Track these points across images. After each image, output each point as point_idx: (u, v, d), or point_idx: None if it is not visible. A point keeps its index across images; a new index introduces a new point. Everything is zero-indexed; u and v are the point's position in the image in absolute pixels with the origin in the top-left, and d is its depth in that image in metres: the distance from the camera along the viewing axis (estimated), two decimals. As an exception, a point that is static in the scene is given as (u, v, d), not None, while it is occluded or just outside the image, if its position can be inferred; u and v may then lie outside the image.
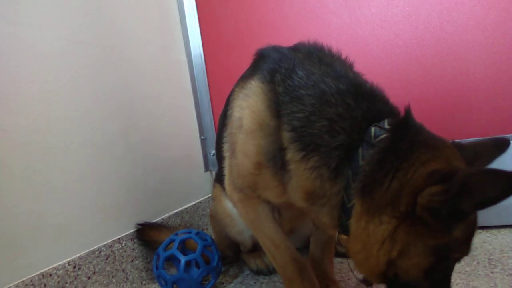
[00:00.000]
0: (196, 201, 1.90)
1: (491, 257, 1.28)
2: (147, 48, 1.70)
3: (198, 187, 1.96)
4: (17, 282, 1.02)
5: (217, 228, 1.48)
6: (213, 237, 1.60)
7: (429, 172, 0.72)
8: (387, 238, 0.75)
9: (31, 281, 1.05)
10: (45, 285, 1.08)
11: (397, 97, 1.68)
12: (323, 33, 1.80)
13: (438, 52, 1.64)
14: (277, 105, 0.91)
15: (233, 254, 1.54)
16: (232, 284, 1.37)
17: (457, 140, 0.84)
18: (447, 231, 0.72)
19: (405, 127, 0.80)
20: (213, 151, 2.05)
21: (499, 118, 1.57)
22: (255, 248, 1.49)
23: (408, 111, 0.82)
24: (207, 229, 1.93)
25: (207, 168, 2.06)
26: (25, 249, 1.06)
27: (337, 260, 1.46)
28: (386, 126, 0.81)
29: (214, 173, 2.09)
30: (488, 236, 1.48)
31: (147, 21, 1.73)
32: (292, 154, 0.87)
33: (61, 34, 1.25)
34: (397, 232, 0.74)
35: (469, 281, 1.13)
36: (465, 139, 1.59)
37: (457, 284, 1.13)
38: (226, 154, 1.11)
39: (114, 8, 1.51)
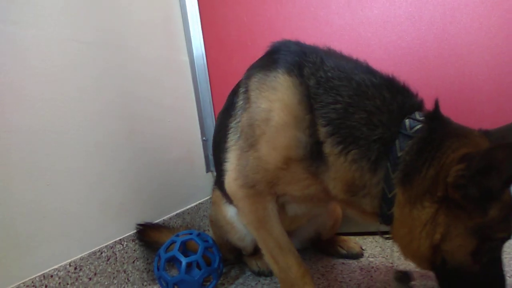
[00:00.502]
0: (197, 202, 1.89)
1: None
2: (150, 49, 1.70)
3: (199, 188, 1.95)
4: (18, 283, 1.01)
5: (218, 233, 1.47)
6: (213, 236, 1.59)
7: (459, 157, 0.77)
8: (429, 221, 0.80)
9: (32, 282, 1.04)
10: (46, 286, 1.08)
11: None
12: (326, 34, 1.80)
13: (441, 54, 1.63)
14: (309, 99, 0.92)
15: (234, 257, 1.54)
16: (233, 286, 1.37)
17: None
18: (483, 211, 0.76)
19: (437, 119, 0.86)
20: (215, 152, 2.04)
21: (502, 120, 1.55)
22: (256, 252, 1.47)
23: (436, 104, 0.88)
24: (208, 230, 1.93)
25: (208, 169, 2.05)
26: (28, 250, 1.06)
27: (339, 261, 1.46)
28: (419, 118, 0.86)
29: (215, 174, 2.09)
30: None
31: (150, 21, 1.72)
32: (330, 148, 0.89)
33: (66, 35, 1.25)
34: (438, 215, 0.79)
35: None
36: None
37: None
38: (234, 146, 1.08)
39: (118, 9, 1.50)
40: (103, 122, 1.37)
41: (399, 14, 1.68)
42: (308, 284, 1.03)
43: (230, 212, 1.35)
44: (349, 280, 1.28)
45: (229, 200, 1.22)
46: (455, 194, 0.77)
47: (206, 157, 2.05)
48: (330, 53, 1.00)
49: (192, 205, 1.84)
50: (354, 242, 1.52)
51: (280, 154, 0.95)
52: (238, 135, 1.07)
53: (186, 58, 1.99)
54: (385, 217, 0.87)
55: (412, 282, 1.02)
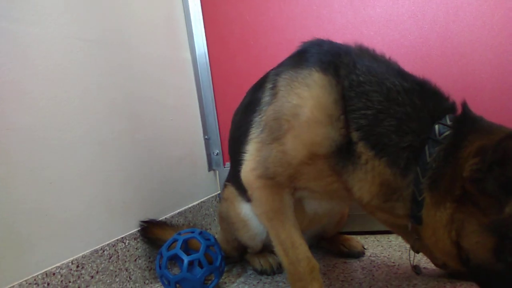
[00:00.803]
0: (200, 201, 1.89)
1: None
2: (153, 46, 1.70)
3: (201, 186, 1.96)
4: (20, 281, 1.02)
5: (227, 229, 1.46)
6: (217, 236, 1.60)
7: (474, 150, 0.77)
8: (449, 221, 0.82)
9: (35, 280, 1.05)
10: (48, 284, 1.08)
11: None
12: (329, 32, 1.79)
13: (444, 52, 1.63)
14: (343, 100, 0.93)
15: (238, 255, 1.54)
16: (235, 284, 1.37)
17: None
18: (499, 207, 0.75)
19: (465, 121, 0.87)
20: (217, 151, 2.04)
21: (505, 119, 1.55)
22: (262, 250, 1.48)
23: (464, 105, 0.89)
24: (210, 228, 1.93)
25: (210, 168, 2.05)
26: (30, 247, 1.06)
27: (341, 260, 1.46)
28: (448, 122, 0.86)
29: (218, 172, 2.09)
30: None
31: (152, 19, 1.72)
32: (364, 150, 0.90)
33: (68, 32, 1.25)
34: (455, 213, 0.81)
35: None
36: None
37: (461, 285, 1.12)
38: (256, 139, 1.08)
39: (120, 7, 1.50)
40: (106, 121, 1.37)
41: (402, 12, 1.67)
42: (316, 280, 1.03)
43: (244, 209, 1.34)
44: (351, 279, 1.28)
45: (245, 197, 1.23)
46: (472, 189, 0.77)
47: (208, 155, 2.05)
48: (362, 54, 1.00)
49: (194, 203, 1.84)
50: (356, 241, 1.52)
51: (308, 150, 0.96)
52: (261, 129, 1.07)
53: (188, 56, 1.99)
54: (416, 218, 0.89)
55: None
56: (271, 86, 1.09)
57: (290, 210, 1.07)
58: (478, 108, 1.57)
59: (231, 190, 1.40)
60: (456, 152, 0.82)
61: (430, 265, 1.26)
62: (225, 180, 1.52)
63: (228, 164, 2.02)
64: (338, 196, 1.04)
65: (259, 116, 1.10)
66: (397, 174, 0.87)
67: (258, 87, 1.19)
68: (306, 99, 0.96)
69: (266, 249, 1.48)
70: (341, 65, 0.96)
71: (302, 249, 1.05)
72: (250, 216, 1.34)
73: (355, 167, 0.92)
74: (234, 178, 1.32)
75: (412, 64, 1.66)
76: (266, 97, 1.10)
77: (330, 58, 0.98)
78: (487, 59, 1.57)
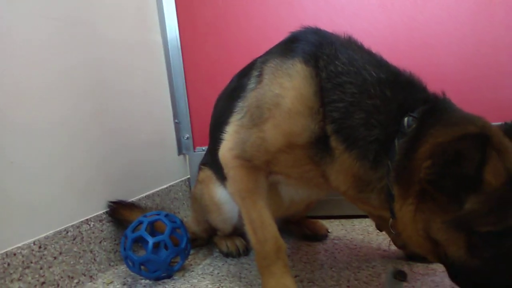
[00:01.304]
0: (168, 184, 1.89)
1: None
2: (121, 27, 1.67)
3: (170, 170, 1.95)
4: (-21, 260, 1.00)
5: (199, 211, 1.48)
6: (186, 219, 1.61)
7: (428, 151, 0.77)
8: (413, 217, 0.82)
9: (-6, 260, 1.04)
10: (8, 264, 1.07)
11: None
12: (300, 20, 1.76)
13: (411, 42, 1.66)
14: (322, 91, 0.93)
15: (207, 237, 1.56)
16: (201, 266, 1.39)
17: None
18: (458, 204, 0.75)
19: (432, 112, 0.85)
20: (187, 135, 2.04)
21: (466, 109, 1.60)
22: (232, 234, 1.51)
23: (436, 96, 0.91)
24: (179, 212, 1.93)
25: (180, 152, 2.05)
26: (-11, 228, 1.05)
27: (305, 242, 1.49)
28: (417, 115, 0.85)
29: (188, 156, 2.09)
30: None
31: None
32: (335, 143, 0.91)
33: (31, 10, 1.22)
34: (417, 210, 0.81)
35: (428, 265, 1.17)
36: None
37: (417, 266, 1.17)
38: (236, 122, 1.10)
39: (86, -14, 1.47)
40: (71, 101, 1.34)
41: (371, 2, 1.70)
42: (281, 260, 1.05)
43: (219, 193, 1.36)
44: (313, 261, 1.31)
45: (222, 180, 1.27)
46: (429, 188, 0.77)
47: (178, 139, 2.04)
48: (348, 45, 1.00)
49: (163, 187, 1.84)
50: (321, 225, 1.56)
51: (286, 139, 0.97)
52: (242, 114, 1.09)
53: (159, 39, 1.97)
54: (391, 212, 0.89)
55: (405, 284, 1.04)
56: (257, 73, 1.10)
57: (263, 191, 1.09)
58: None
59: (207, 173, 1.41)
60: (416, 146, 0.81)
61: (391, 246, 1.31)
62: (201, 163, 1.53)
63: (198, 148, 2.03)
64: (316, 183, 1.06)
65: (242, 102, 1.11)
66: (367, 167, 0.88)
67: (244, 74, 1.20)
68: (288, 89, 0.97)
69: (235, 232, 1.51)
70: (322, 55, 0.96)
71: (271, 229, 1.07)
72: (224, 201, 1.36)
73: (332, 159, 0.94)
74: (213, 162, 1.34)
75: (380, 53, 1.69)
76: (251, 84, 1.11)
77: (313, 49, 0.98)
78: (452, 50, 1.62)
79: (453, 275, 0.84)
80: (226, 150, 1.12)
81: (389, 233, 1.28)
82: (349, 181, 0.93)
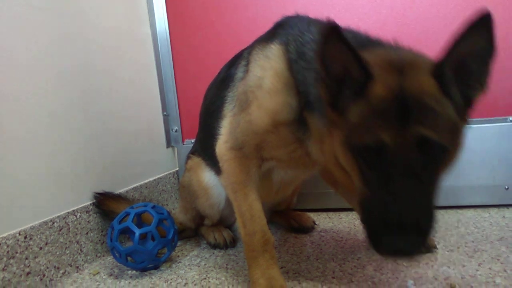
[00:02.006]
0: (157, 177, 1.89)
1: (436, 235, 1.34)
2: (110, 18, 1.66)
3: (158, 163, 1.95)
4: (-38, 250, 1.00)
5: (187, 198, 1.50)
6: (174, 211, 1.61)
7: None
8: (329, 150, 0.87)
9: (-22, 249, 1.03)
10: (-7, 254, 1.06)
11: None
12: (290, 12, 1.80)
13: (400, 37, 1.64)
14: (291, 64, 0.98)
15: (195, 226, 1.57)
16: (188, 257, 1.39)
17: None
18: (345, 119, 0.78)
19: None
20: (176, 128, 2.03)
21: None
22: (219, 223, 1.53)
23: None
24: (167, 205, 1.93)
25: (169, 144, 2.05)
26: (-27, 218, 1.04)
27: (292, 235, 1.50)
28: None
29: (176, 149, 2.08)
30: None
31: (109, -10, 1.68)
32: (306, 113, 0.95)
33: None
34: (330, 143, 0.86)
35: (413, 256, 1.19)
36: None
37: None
38: (229, 113, 1.14)
39: (74, -25, 1.46)
40: (57, 91, 1.33)
41: (361, -4, 1.70)
42: (268, 252, 1.07)
43: (207, 177, 1.39)
44: (300, 253, 1.32)
45: (212, 167, 1.33)
46: (328, 111, 0.82)
47: (167, 132, 2.04)
48: (318, 23, 1.03)
49: (151, 179, 1.84)
50: (307, 217, 1.58)
51: (270, 118, 1.01)
52: (233, 104, 1.13)
53: (148, 31, 1.96)
54: None
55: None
56: (245, 63, 1.14)
57: (254, 184, 1.12)
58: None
59: (196, 161, 1.45)
60: None
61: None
62: (189, 153, 1.56)
63: (187, 141, 2.02)
64: (302, 163, 1.09)
65: (232, 92, 1.16)
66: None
67: (232, 64, 1.24)
68: (267, 69, 1.03)
69: (223, 222, 1.54)
70: (292, 34, 1.01)
71: (260, 222, 1.09)
72: (212, 185, 1.39)
73: (310, 132, 0.98)
74: (202, 150, 1.40)
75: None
76: (239, 73, 1.15)
77: (288, 30, 1.03)
78: (440, 46, 1.62)
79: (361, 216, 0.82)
80: (221, 143, 1.15)
81: None
82: (320, 148, 0.96)
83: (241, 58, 1.18)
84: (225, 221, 1.56)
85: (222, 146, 1.15)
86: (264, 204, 1.46)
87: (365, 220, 0.78)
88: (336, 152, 0.83)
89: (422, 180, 0.73)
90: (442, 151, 0.75)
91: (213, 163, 1.27)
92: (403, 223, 0.70)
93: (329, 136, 0.85)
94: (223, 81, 1.26)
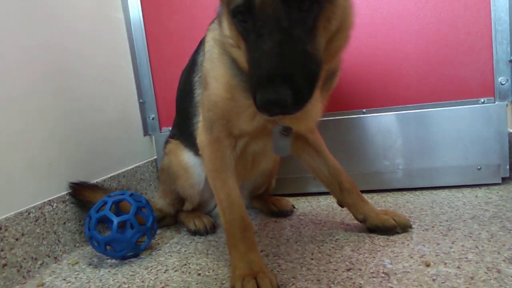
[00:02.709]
0: (134, 165, 1.87)
1: (411, 215, 1.37)
2: (80, 2, 1.61)
3: (136, 151, 1.93)
4: None
5: (167, 181, 1.51)
6: (152, 199, 1.60)
7: None
8: None
9: (-49, 242, 1.00)
10: (-34, 246, 1.04)
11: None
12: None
13: (373, 21, 1.69)
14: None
15: (174, 212, 1.57)
16: (168, 245, 1.39)
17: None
18: None
19: None
20: (153, 115, 2.01)
21: (426, 86, 1.66)
22: (199, 206, 1.54)
23: None
24: (146, 193, 1.92)
25: (146, 133, 2.02)
26: None
27: (272, 219, 1.52)
28: None
29: (154, 137, 2.06)
30: (411, 197, 1.58)
31: (80, -25, 1.63)
32: None
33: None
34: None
35: (389, 236, 1.22)
36: (392, 106, 1.67)
37: (378, 238, 1.21)
38: (199, 97, 1.18)
39: (42, -42, 1.41)
40: (26, 77, 1.30)
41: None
42: (247, 238, 1.08)
43: (187, 157, 1.42)
44: (279, 236, 1.34)
45: (191, 148, 1.38)
46: None
47: (144, 119, 2.01)
48: None
49: (128, 168, 1.82)
50: (286, 201, 1.59)
51: (221, 83, 1.04)
52: (201, 88, 1.17)
53: (121, 17, 1.91)
54: None
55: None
56: (203, 47, 1.17)
57: (231, 168, 1.13)
58: (402, 75, 1.67)
59: (174, 143, 1.48)
60: None
61: (353, 221, 1.35)
62: (168, 137, 1.58)
63: (164, 129, 2.00)
64: (266, 132, 1.10)
65: (198, 76, 1.21)
66: None
67: (196, 50, 1.28)
68: (210, 41, 1.10)
69: (202, 207, 1.56)
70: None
71: (238, 209, 1.10)
72: (192, 164, 1.41)
73: None
74: (180, 133, 1.44)
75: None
76: (201, 58, 1.18)
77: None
78: (413, 29, 1.65)
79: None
80: (200, 131, 1.18)
81: (348, 208, 1.32)
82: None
83: (202, 43, 1.21)
84: (204, 206, 1.57)
85: (200, 133, 1.18)
86: (244, 185, 1.48)
87: (249, 86, 0.85)
88: (226, 31, 0.94)
89: (291, 35, 0.77)
90: (311, 4, 0.78)
91: (191, 143, 1.33)
92: (270, 75, 0.74)
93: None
94: (191, 67, 1.30)
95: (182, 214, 1.55)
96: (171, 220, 1.60)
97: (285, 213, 1.54)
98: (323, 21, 0.81)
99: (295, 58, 0.76)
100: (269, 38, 0.76)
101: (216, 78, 1.05)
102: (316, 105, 1.03)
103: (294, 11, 0.77)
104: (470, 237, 1.16)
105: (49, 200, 1.33)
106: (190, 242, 1.39)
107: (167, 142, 1.56)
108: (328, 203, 1.63)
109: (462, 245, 1.11)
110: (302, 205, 1.65)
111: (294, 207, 1.59)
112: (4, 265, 1.14)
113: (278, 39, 0.75)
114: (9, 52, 1.24)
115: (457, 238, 1.16)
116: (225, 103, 1.05)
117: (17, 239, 1.19)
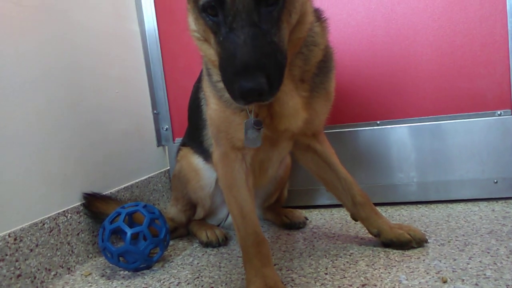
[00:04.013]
0: (147, 176, 1.88)
1: (427, 229, 1.35)
2: (98, 15, 1.64)
3: (149, 162, 1.94)
4: (-49, 253, 0.98)
5: (179, 186, 1.54)
6: (165, 210, 1.61)
7: None
8: None
9: (-33, 253, 1.01)
10: (-18, 257, 1.05)
11: (348, 76, 1.73)
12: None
13: (388, 33, 1.68)
14: None
15: (186, 220, 1.57)
16: (180, 257, 1.39)
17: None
18: None
19: None
20: (166, 126, 2.02)
21: (441, 98, 1.64)
22: (210, 213, 1.56)
23: None
24: (158, 204, 1.92)
25: (159, 143, 2.03)
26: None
27: (284, 232, 1.51)
28: None
29: (167, 148, 2.07)
30: (426, 210, 1.56)
31: (97, -12, 1.66)
32: None
33: (0, -3, 1.19)
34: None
35: (404, 251, 1.20)
36: (407, 118, 1.66)
37: (393, 253, 1.19)
38: (206, 113, 1.24)
39: (60, -27, 1.44)
40: (44, 89, 1.32)
41: (350, -8, 1.70)
42: (262, 253, 1.07)
43: (197, 160, 1.47)
44: (292, 250, 1.32)
45: (201, 153, 1.45)
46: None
47: (157, 130, 2.03)
48: None
49: (142, 178, 1.83)
50: (299, 213, 1.59)
51: (215, 98, 1.10)
52: (207, 105, 1.20)
53: (136, 29, 1.94)
54: None
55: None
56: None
57: (241, 181, 1.14)
58: (417, 87, 1.66)
59: (185, 150, 1.52)
60: None
61: (367, 235, 1.33)
62: (179, 145, 1.62)
63: (178, 139, 2.01)
64: (266, 139, 1.11)
65: (203, 93, 1.26)
66: None
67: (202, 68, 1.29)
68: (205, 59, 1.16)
69: (213, 214, 1.58)
70: None
71: (252, 224, 1.10)
72: (202, 166, 1.46)
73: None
74: (191, 141, 1.49)
75: (357, 43, 1.71)
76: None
77: None
78: (428, 41, 1.64)
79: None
80: (213, 149, 1.22)
81: (362, 222, 1.30)
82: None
83: None
84: (216, 214, 1.59)
85: (213, 150, 1.22)
86: (257, 193, 1.47)
87: (222, 78, 0.88)
88: (192, 26, 1.00)
89: (261, 28, 0.83)
90: None
91: (201, 150, 1.42)
92: (247, 65, 0.79)
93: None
94: (198, 82, 1.37)
95: (194, 225, 1.55)
96: (184, 231, 1.60)
97: (297, 225, 1.53)
98: (286, 14, 0.88)
99: (265, 49, 0.82)
100: (241, 31, 0.81)
101: (211, 94, 1.12)
102: (294, 99, 1.04)
103: (262, 5, 0.83)
104: (488, 252, 1.13)
105: (64, 211, 1.34)
106: (203, 254, 1.39)
107: (178, 150, 1.60)
108: (341, 215, 1.62)
109: (480, 261, 1.08)
110: (315, 217, 1.64)
111: (307, 219, 1.58)
112: (19, 275, 1.15)
113: (250, 32, 0.81)
114: (29, 67, 1.26)
115: (474, 254, 1.13)
116: (217, 115, 1.11)
117: (31, 250, 1.20)
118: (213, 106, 1.12)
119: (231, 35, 0.82)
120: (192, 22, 1.02)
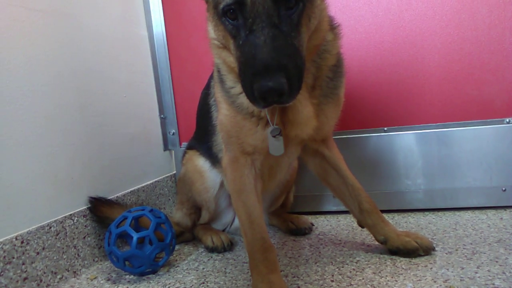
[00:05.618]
0: (154, 180, 1.88)
1: (434, 237, 1.34)
2: (106, 20, 1.65)
3: (156, 166, 1.94)
4: (-42, 256, 0.99)
5: (184, 189, 1.54)
6: (170, 215, 1.60)
7: None
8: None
9: (-26, 255, 1.02)
10: (-11, 259, 1.05)
11: (355, 82, 1.72)
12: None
13: (396, 39, 1.68)
14: None
15: (191, 224, 1.57)
16: (186, 261, 1.38)
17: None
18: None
19: None
20: (173, 130, 2.03)
21: (449, 105, 1.63)
22: (215, 217, 1.56)
23: None
24: (164, 208, 1.93)
25: (166, 148, 2.04)
26: (-31, 223, 1.03)
27: (290, 238, 1.50)
28: None
29: (174, 152, 2.08)
30: (433, 218, 1.55)
31: (106, -7, 1.67)
32: None
33: (14, 0, 1.20)
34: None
35: (411, 259, 1.19)
36: (414, 125, 1.65)
37: (400, 261, 1.18)
38: (216, 118, 1.25)
39: (70, -22, 1.45)
40: (53, 94, 1.33)
41: (357, -1, 1.71)
42: (268, 260, 1.07)
43: (202, 162, 1.47)
44: (298, 256, 1.32)
45: (208, 157, 1.45)
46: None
47: (164, 135, 2.03)
48: None
49: (148, 182, 1.83)
50: (305, 219, 1.58)
51: (227, 103, 1.11)
52: (217, 111, 1.21)
53: (145, 33, 1.95)
54: None
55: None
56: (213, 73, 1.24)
57: (250, 186, 1.14)
58: (424, 94, 1.65)
59: (191, 153, 1.53)
60: None
61: (373, 242, 1.32)
62: (185, 149, 1.62)
63: (184, 144, 2.02)
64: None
65: (213, 100, 1.27)
66: None
67: (211, 74, 1.33)
68: (216, 67, 1.17)
69: (218, 217, 1.57)
70: None
71: (259, 230, 1.10)
72: (206, 168, 1.46)
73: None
74: (199, 145, 1.50)
75: (365, 49, 1.71)
76: (212, 82, 1.25)
77: None
78: (436, 47, 1.64)
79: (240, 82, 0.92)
80: (223, 154, 1.23)
81: (369, 228, 1.29)
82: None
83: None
84: (221, 217, 1.58)
85: (223, 155, 1.23)
86: (263, 197, 1.47)
87: (241, 83, 0.88)
88: (211, 34, 1.01)
89: (281, 30, 0.83)
90: (296, 2, 0.85)
91: (208, 154, 1.43)
92: (267, 65, 0.79)
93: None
94: (207, 88, 1.37)
95: (199, 230, 1.55)
96: (189, 235, 1.60)
97: (303, 231, 1.52)
98: (305, 19, 0.89)
99: (286, 50, 0.82)
100: (261, 32, 0.82)
101: (222, 99, 1.13)
102: (307, 107, 1.05)
103: (282, 9, 0.84)
104: (496, 261, 1.12)
105: (70, 214, 1.34)
106: (208, 260, 1.39)
107: (184, 153, 1.61)
108: (347, 222, 1.61)
109: (488, 270, 1.07)
110: (321, 224, 1.63)
111: (313, 225, 1.57)
112: (25, 278, 1.15)
113: (270, 33, 0.82)
114: (37, 71, 1.27)
115: (482, 263, 1.12)
116: (228, 121, 1.11)
117: (38, 253, 1.20)
118: (224, 111, 1.12)
119: (251, 37, 0.83)
120: (211, 30, 1.02)
